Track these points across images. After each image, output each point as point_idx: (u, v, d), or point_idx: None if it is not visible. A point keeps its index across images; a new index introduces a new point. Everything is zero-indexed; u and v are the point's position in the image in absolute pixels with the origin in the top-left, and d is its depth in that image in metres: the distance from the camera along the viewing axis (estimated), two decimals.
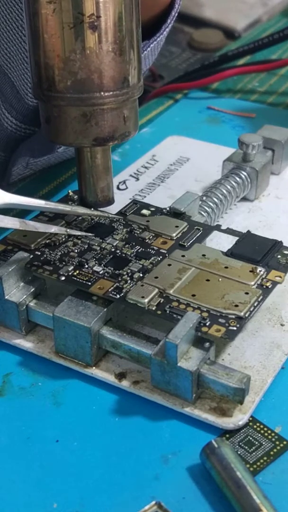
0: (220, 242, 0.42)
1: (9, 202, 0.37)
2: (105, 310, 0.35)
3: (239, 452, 0.32)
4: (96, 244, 0.39)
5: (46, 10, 0.33)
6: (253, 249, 0.38)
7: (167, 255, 0.38)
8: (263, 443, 0.32)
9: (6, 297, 0.36)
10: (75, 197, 0.42)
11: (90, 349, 0.35)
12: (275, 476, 0.31)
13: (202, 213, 0.43)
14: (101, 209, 0.40)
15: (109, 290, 0.36)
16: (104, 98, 0.34)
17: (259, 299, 0.35)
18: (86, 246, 0.39)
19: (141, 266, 0.37)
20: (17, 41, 0.44)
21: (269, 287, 0.36)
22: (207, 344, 0.33)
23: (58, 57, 0.34)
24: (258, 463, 0.32)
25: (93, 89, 0.34)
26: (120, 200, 0.43)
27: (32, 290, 0.37)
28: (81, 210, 0.39)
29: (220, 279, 0.36)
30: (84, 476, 0.31)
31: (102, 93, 0.34)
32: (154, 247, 0.39)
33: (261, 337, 0.37)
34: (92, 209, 0.40)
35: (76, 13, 0.33)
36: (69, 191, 0.43)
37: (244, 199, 0.47)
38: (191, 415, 0.33)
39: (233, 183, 0.45)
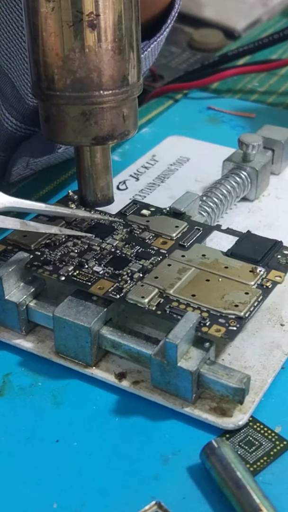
0: (220, 242, 0.42)
1: (9, 206, 0.37)
2: (105, 310, 0.35)
3: (239, 452, 0.32)
4: (96, 244, 0.39)
5: (45, 8, 0.33)
6: (253, 249, 0.38)
7: (167, 255, 0.38)
8: (263, 443, 0.32)
9: (6, 297, 0.36)
10: (75, 197, 0.42)
11: (90, 349, 0.35)
12: (275, 476, 0.31)
13: (202, 213, 0.43)
14: (101, 208, 0.40)
15: (109, 290, 0.36)
16: (103, 97, 0.34)
17: (259, 299, 0.35)
18: (86, 246, 0.39)
19: (141, 266, 0.37)
20: (17, 41, 0.44)
21: (269, 287, 0.36)
22: (207, 344, 0.33)
23: (57, 55, 0.34)
24: (258, 463, 0.31)
25: (92, 88, 0.34)
26: (120, 200, 0.43)
27: (32, 290, 0.37)
28: (81, 213, 0.39)
29: (220, 279, 0.36)
30: (84, 476, 0.31)
31: (101, 91, 0.34)
32: (154, 247, 0.39)
33: (261, 337, 0.37)
34: (93, 211, 0.40)
35: (75, 11, 0.33)
36: (69, 191, 0.43)
37: (244, 199, 0.47)
38: (191, 415, 0.33)
39: (233, 183, 0.45)
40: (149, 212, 0.41)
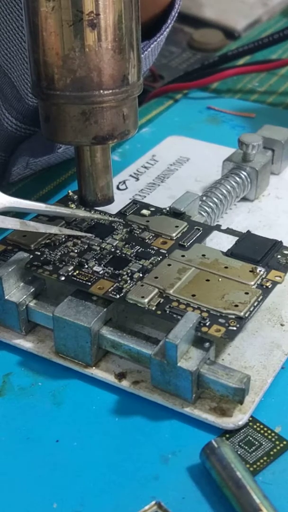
0: (220, 242, 0.42)
1: (9, 206, 0.37)
2: (105, 310, 0.35)
3: (239, 452, 0.32)
4: (96, 244, 0.39)
5: (45, 8, 0.33)
6: (253, 249, 0.38)
7: (167, 255, 0.38)
8: (263, 443, 0.32)
9: (6, 297, 0.36)
10: (75, 197, 0.42)
11: (90, 349, 0.35)
12: (275, 476, 0.31)
13: (202, 213, 0.43)
14: (101, 208, 0.40)
15: (109, 290, 0.36)
16: (103, 96, 0.34)
17: (259, 299, 0.35)
18: (86, 246, 0.39)
19: (141, 266, 0.37)
20: (17, 41, 0.44)
21: (269, 287, 0.36)
22: (207, 344, 0.33)
23: (57, 55, 0.34)
24: (258, 463, 0.31)
25: (92, 87, 0.34)
26: (120, 200, 0.43)
27: (32, 290, 0.37)
28: (81, 213, 0.39)
29: (220, 279, 0.36)
30: (84, 476, 0.31)
31: (101, 91, 0.34)
32: (154, 247, 0.39)
33: (261, 337, 0.37)
34: (93, 211, 0.40)
35: (75, 10, 0.33)
36: (69, 191, 0.43)
37: (244, 199, 0.47)
38: (191, 415, 0.33)
39: (233, 183, 0.45)
40: (149, 212, 0.41)
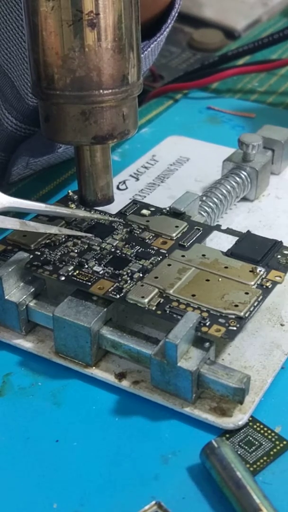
0: (220, 242, 0.42)
1: (9, 206, 0.37)
2: (105, 310, 0.35)
3: (239, 452, 0.32)
4: (96, 244, 0.39)
5: (45, 7, 0.33)
6: (253, 249, 0.38)
7: (167, 255, 0.38)
8: (263, 443, 0.32)
9: (6, 297, 0.36)
10: (75, 197, 0.42)
11: (90, 349, 0.35)
12: (275, 476, 0.31)
13: (202, 213, 0.43)
14: (101, 208, 0.40)
15: (109, 290, 0.36)
16: (103, 96, 0.34)
17: (259, 299, 0.35)
18: (86, 246, 0.39)
19: (141, 266, 0.37)
20: (17, 41, 0.44)
21: (269, 287, 0.36)
22: (207, 344, 0.33)
23: (56, 54, 0.34)
24: (258, 463, 0.31)
25: (92, 87, 0.34)
26: (120, 200, 0.43)
27: (32, 290, 0.37)
28: (81, 213, 0.39)
29: (220, 279, 0.36)
30: (84, 476, 0.31)
31: (101, 91, 0.34)
32: (154, 247, 0.39)
33: (261, 337, 0.37)
34: (93, 211, 0.40)
35: (75, 10, 0.33)
36: (69, 191, 0.43)
37: (244, 199, 0.47)
38: (191, 415, 0.33)
39: (233, 183, 0.45)
40: (149, 212, 0.41)
